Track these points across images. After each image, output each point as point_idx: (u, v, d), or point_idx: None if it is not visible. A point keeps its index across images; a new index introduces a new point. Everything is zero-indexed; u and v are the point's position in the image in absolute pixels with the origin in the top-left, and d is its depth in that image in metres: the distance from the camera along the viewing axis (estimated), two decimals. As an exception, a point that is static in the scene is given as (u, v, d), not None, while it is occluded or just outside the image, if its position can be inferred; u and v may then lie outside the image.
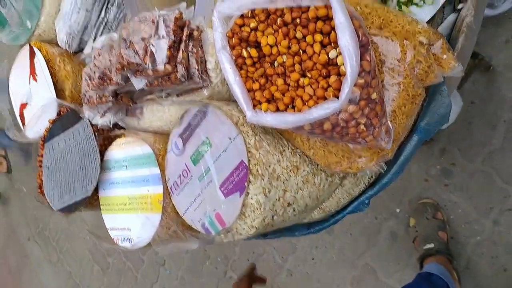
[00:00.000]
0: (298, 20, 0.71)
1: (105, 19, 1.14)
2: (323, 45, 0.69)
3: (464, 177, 1.68)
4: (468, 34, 0.88)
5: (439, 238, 1.63)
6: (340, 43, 0.62)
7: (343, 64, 0.65)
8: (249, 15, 0.76)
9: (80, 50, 1.23)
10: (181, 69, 0.76)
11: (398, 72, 0.70)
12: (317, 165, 0.86)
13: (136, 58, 0.74)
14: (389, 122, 0.73)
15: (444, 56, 0.71)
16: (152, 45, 0.74)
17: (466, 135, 1.68)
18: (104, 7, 1.15)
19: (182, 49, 0.76)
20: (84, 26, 1.14)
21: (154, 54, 0.74)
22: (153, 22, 0.76)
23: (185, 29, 0.77)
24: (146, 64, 0.76)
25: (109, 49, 0.82)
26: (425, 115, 0.82)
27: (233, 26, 0.77)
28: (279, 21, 0.72)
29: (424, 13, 0.75)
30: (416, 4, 0.75)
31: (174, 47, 0.76)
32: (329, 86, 0.67)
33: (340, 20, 0.63)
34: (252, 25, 0.75)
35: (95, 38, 1.16)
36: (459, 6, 0.85)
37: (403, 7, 0.76)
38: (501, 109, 1.60)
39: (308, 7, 0.69)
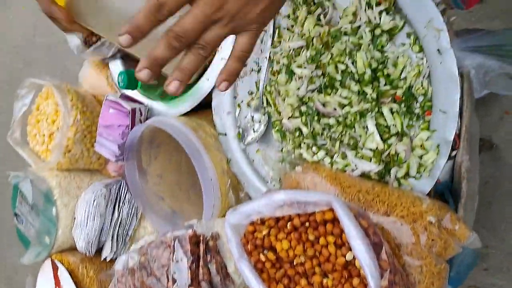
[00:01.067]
0: (307, 224, 0.73)
1: (120, 219, 1.19)
2: (337, 246, 0.71)
3: (500, 258, 1.61)
4: (469, 178, 0.90)
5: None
6: (356, 253, 0.64)
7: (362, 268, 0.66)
8: (259, 222, 0.78)
9: (99, 247, 1.26)
10: (205, 286, 0.77)
11: (417, 255, 0.70)
12: None
13: (159, 286, 0.76)
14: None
15: (456, 227, 0.72)
16: (173, 271, 0.76)
17: (490, 215, 1.64)
18: (117, 207, 1.20)
19: (201, 265, 0.78)
20: (100, 229, 1.18)
21: (176, 280, 0.76)
22: (169, 246, 0.79)
23: (201, 245, 0.80)
24: (170, 289, 0.78)
25: (131, 272, 0.84)
26: (453, 268, 0.81)
27: (246, 233, 0.80)
28: (289, 226, 0.75)
29: (422, 185, 0.78)
30: (414, 177, 0.78)
31: (194, 265, 0.78)
32: (353, 289, 0.67)
33: (349, 230, 0.65)
34: (264, 231, 0.77)
35: (112, 238, 1.20)
36: (453, 154, 0.88)
37: (402, 181, 0.79)
38: (516, 181, 1.60)
39: (314, 212, 0.72)
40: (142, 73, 0.50)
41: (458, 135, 0.80)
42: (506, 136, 1.66)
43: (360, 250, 0.64)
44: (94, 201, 1.14)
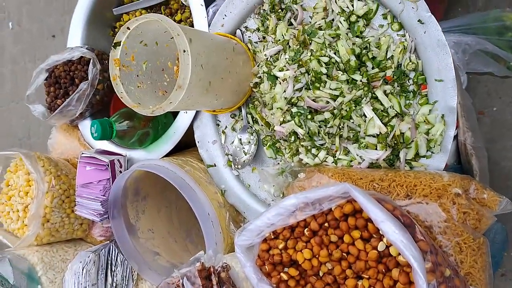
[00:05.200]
0: (326, 224, 0.66)
1: (114, 284, 1.07)
2: (365, 240, 0.63)
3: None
4: (477, 153, 0.86)
5: None
6: (390, 238, 0.56)
7: (400, 254, 0.58)
8: (272, 237, 0.70)
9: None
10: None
11: (452, 233, 0.64)
12: None
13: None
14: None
15: (485, 196, 0.67)
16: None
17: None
18: (109, 272, 1.09)
19: (217, 300, 0.68)
20: (94, 301, 1.06)
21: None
22: (178, 286, 0.69)
23: (213, 277, 0.70)
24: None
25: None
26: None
27: (260, 253, 0.71)
28: (306, 232, 0.67)
29: (436, 162, 0.72)
30: (425, 156, 0.73)
31: (208, 301, 0.68)
32: (395, 281, 0.59)
33: (376, 214, 0.58)
34: (280, 246, 0.69)
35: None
36: (454, 133, 0.84)
37: (414, 163, 0.74)
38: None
39: (330, 209, 0.65)
40: None
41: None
42: (485, 135, 1.65)
43: (393, 233, 0.57)
44: (83, 269, 1.03)
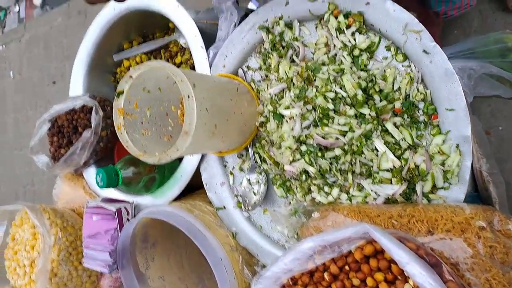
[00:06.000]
0: (347, 267, 0.63)
1: None
2: (389, 282, 0.60)
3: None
4: (494, 180, 0.83)
5: None
6: (417, 280, 0.53)
7: (429, 296, 0.55)
8: (291, 283, 0.67)
9: None
10: None
11: (480, 269, 0.60)
12: None
13: None
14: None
15: (510, 226, 0.64)
16: None
17: None
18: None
19: None
20: None
21: None
22: None
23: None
24: None
25: None
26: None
27: (279, 301, 0.68)
28: (326, 276, 0.64)
29: (455, 194, 0.70)
30: (443, 188, 0.70)
31: None
32: (426, 326, 0.55)
33: (400, 255, 0.55)
34: (300, 292, 0.66)
35: None
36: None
37: (431, 196, 0.71)
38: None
39: (350, 251, 0.62)
40: None
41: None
42: (494, 155, 1.62)
43: (420, 275, 0.54)
44: (93, 324, 0.99)
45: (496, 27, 1.62)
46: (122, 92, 0.76)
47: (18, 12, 3.64)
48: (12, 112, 3.32)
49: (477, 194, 0.84)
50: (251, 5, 2.09)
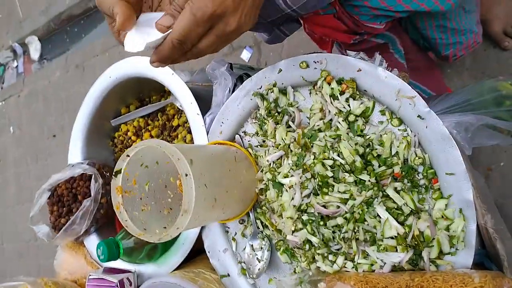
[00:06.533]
0: None
1: None
2: None
3: None
4: (501, 236, 0.82)
5: None
6: None
7: None
8: None
9: None
10: None
11: None
12: None
13: None
14: None
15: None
16: None
17: None
18: None
19: None
20: None
21: None
22: None
23: None
24: None
25: None
26: None
27: None
28: None
29: (463, 259, 0.69)
30: (450, 253, 0.69)
31: None
32: None
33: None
34: None
35: None
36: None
37: (439, 262, 0.70)
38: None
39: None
40: (155, 64, 0.65)
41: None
42: (497, 191, 1.61)
43: None
44: None
45: (488, 64, 1.64)
46: (119, 171, 0.75)
47: (17, 67, 3.70)
48: (13, 167, 3.32)
49: (485, 251, 0.82)
50: (244, 53, 2.12)
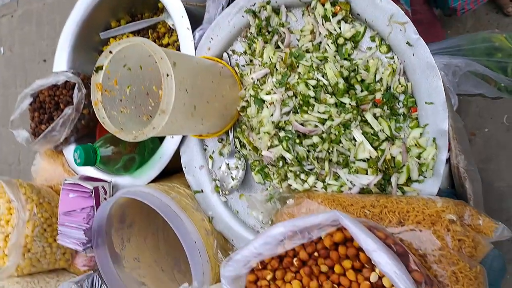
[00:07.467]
0: (316, 254, 0.63)
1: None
2: (357, 270, 0.60)
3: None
4: (470, 177, 0.83)
5: None
6: (382, 269, 0.54)
7: (393, 285, 0.55)
8: (260, 267, 0.67)
9: None
10: None
11: (447, 262, 0.61)
12: None
13: None
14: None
15: (480, 222, 0.64)
16: None
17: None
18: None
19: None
20: None
21: None
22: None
23: (197, 311, 0.67)
24: None
25: None
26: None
27: (247, 284, 0.68)
28: (295, 262, 0.64)
29: (429, 187, 0.70)
30: (417, 181, 0.71)
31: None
32: (389, 315, 0.56)
33: (367, 243, 0.55)
34: (268, 276, 0.66)
35: None
36: (446, 156, 0.82)
37: (406, 188, 0.71)
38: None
39: (320, 237, 0.62)
40: None
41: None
42: (478, 156, 1.63)
43: (386, 263, 0.54)
44: (64, 302, 0.98)
45: (489, 28, 1.62)
46: (101, 67, 0.74)
47: (11, -14, 3.57)
48: (1, 88, 3.28)
49: (453, 190, 0.84)
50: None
